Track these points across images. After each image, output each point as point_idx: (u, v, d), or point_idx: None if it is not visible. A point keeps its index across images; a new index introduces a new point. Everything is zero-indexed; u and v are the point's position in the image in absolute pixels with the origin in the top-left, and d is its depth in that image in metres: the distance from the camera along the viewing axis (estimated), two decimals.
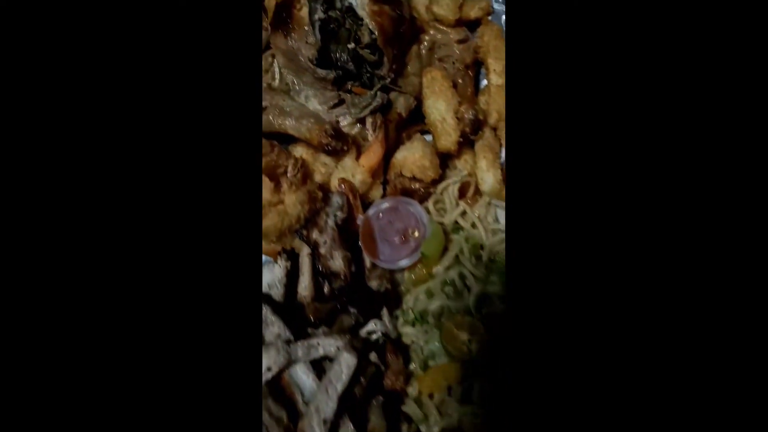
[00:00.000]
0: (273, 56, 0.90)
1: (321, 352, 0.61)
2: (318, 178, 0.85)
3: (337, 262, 0.70)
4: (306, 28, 0.81)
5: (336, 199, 0.76)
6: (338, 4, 0.93)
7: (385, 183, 0.84)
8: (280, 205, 0.75)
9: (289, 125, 0.81)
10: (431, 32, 0.96)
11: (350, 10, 0.92)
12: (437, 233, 0.72)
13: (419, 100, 0.90)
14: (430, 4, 0.96)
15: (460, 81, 0.92)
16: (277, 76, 0.88)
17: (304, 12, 0.82)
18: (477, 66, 0.97)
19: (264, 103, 0.84)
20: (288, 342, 0.61)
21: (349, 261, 0.70)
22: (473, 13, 0.97)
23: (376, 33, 0.83)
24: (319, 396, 0.56)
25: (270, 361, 0.58)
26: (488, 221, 0.76)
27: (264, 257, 0.77)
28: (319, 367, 0.61)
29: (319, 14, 0.85)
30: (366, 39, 0.85)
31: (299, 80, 0.87)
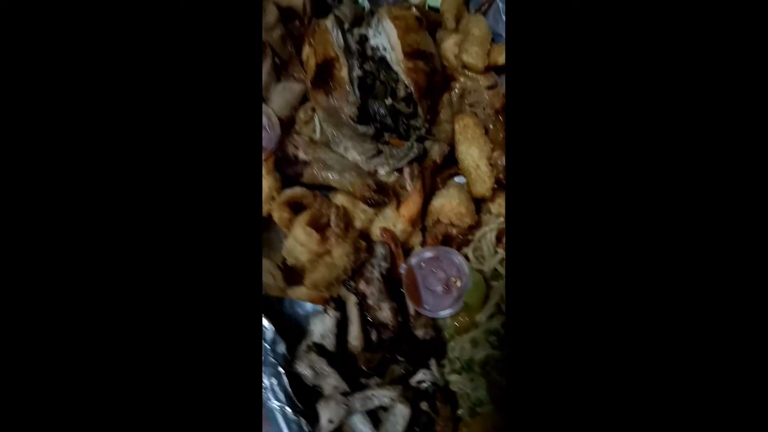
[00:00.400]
0: (313, 110, 0.95)
1: (376, 402, 0.65)
2: (358, 224, 0.89)
3: (385, 313, 0.74)
4: (347, 88, 0.86)
5: (380, 250, 0.80)
6: (371, 54, 0.98)
7: (423, 230, 0.88)
8: (328, 257, 0.79)
9: (332, 179, 0.86)
10: (461, 79, 1.00)
11: (383, 62, 0.97)
12: (479, 283, 0.76)
13: (452, 145, 0.94)
14: (459, 52, 1.01)
15: (491, 126, 0.97)
16: (317, 129, 0.93)
17: (344, 72, 0.87)
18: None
19: (307, 157, 0.89)
20: (345, 394, 0.65)
21: (396, 311, 0.74)
22: (501, 59, 1.01)
23: (412, 88, 0.88)
24: None
25: (331, 413, 0.63)
26: None
27: (313, 306, 0.82)
28: (375, 416, 0.65)
29: (357, 71, 0.91)
30: (402, 93, 0.90)
31: (338, 132, 0.92)
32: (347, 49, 0.94)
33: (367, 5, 1.27)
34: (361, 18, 1.18)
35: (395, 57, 0.91)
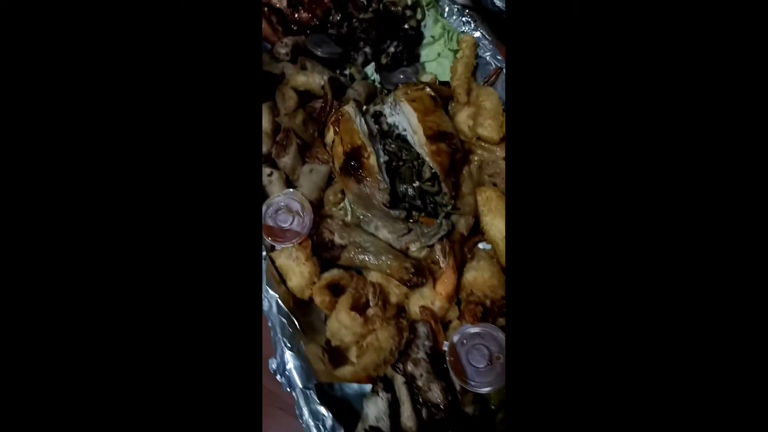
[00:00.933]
0: (342, 192, 1.01)
1: None
2: (394, 299, 0.94)
3: (436, 394, 0.78)
4: (378, 176, 0.91)
5: (422, 329, 0.85)
6: (389, 130, 1.05)
7: (458, 303, 0.92)
8: (374, 341, 0.83)
9: (369, 262, 0.91)
10: (479, 152, 1.06)
11: (403, 141, 1.03)
12: None
13: (476, 217, 1.00)
14: (474, 126, 1.07)
15: None
16: (349, 211, 0.98)
17: (373, 160, 0.93)
18: None
19: (343, 241, 0.94)
20: None
21: (446, 391, 0.78)
22: None
23: (437, 170, 0.94)
24: None
25: None
26: None
27: (364, 386, 0.86)
28: None
29: (383, 157, 0.97)
30: (427, 174, 0.96)
31: (368, 213, 0.97)
32: (371, 134, 1.00)
33: (377, 78, 1.35)
34: (374, 94, 1.26)
35: (418, 140, 0.97)
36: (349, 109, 1.03)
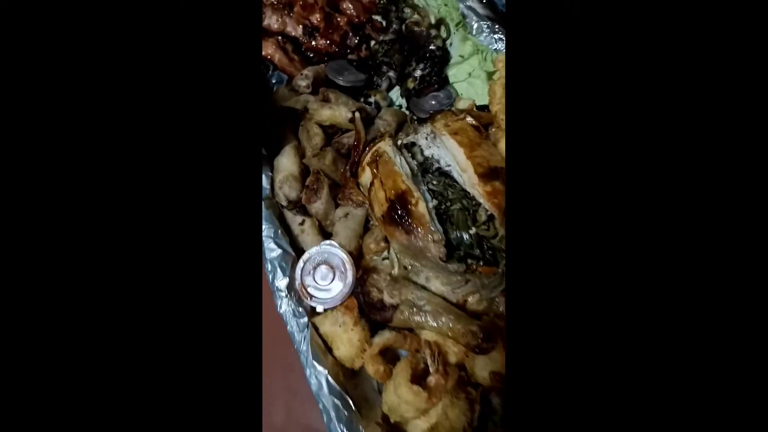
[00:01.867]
0: (386, 240, 0.90)
1: None
2: (453, 359, 0.83)
3: None
4: (430, 227, 0.81)
5: (497, 401, 0.74)
6: (425, 162, 0.94)
7: None
8: (445, 420, 0.73)
9: (428, 324, 0.80)
10: None
11: (447, 176, 0.93)
12: None
13: None
14: None
15: None
16: (395, 262, 0.88)
17: (422, 207, 0.82)
18: None
19: (394, 300, 0.83)
20: None
21: None
22: None
23: (495, 213, 0.83)
24: None
25: None
26: None
27: None
28: None
29: (432, 201, 0.86)
30: (482, 217, 0.85)
31: (417, 262, 0.87)
32: (413, 174, 0.90)
33: (403, 104, 1.25)
34: (404, 122, 1.16)
35: (468, 179, 0.87)
36: (386, 147, 0.92)
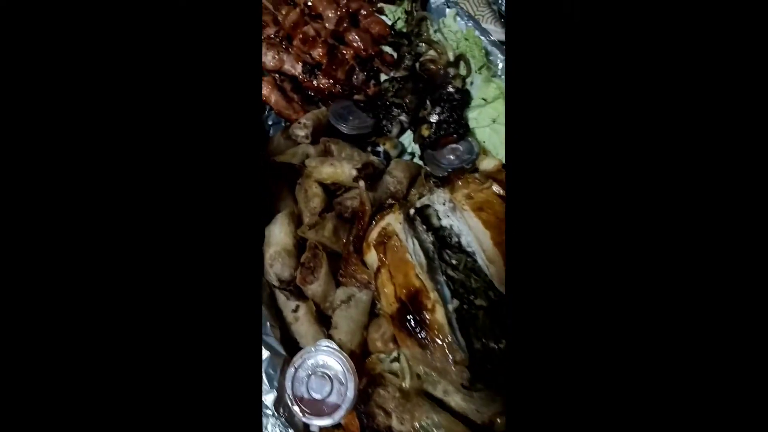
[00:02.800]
0: (395, 342, 0.75)
1: None
2: None
3: None
4: (450, 338, 0.65)
5: None
6: (453, 262, 0.79)
7: None
8: None
9: None
10: None
11: (469, 255, 0.78)
12: None
13: None
14: None
15: None
16: (406, 371, 0.72)
17: (440, 314, 0.67)
18: None
19: (404, 427, 0.68)
20: None
21: None
22: None
23: None
24: None
25: None
26: None
27: None
28: None
29: (451, 303, 0.70)
30: None
31: (432, 371, 0.71)
32: (429, 263, 0.74)
33: (416, 150, 1.10)
34: (417, 176, 1.01)
35: (496, 273, 0.71)
36: (397, 225, 0.77)
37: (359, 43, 1.16)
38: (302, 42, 1.14)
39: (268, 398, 0.71)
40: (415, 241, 0.75)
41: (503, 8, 1.35)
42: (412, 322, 0.67)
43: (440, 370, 0.67)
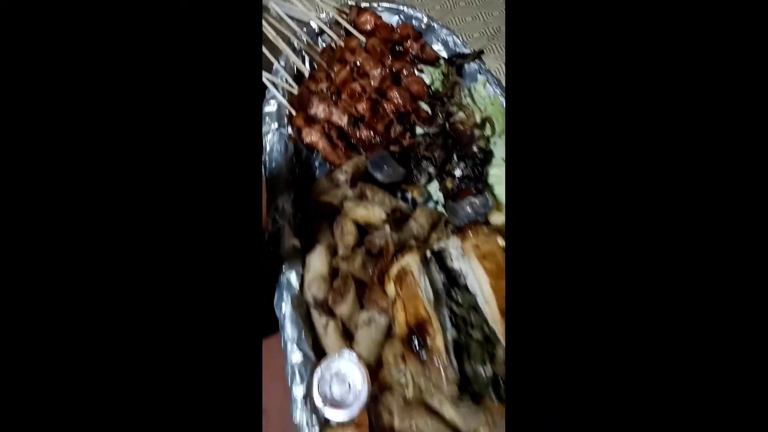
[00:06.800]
0: (404, 358, 0.98)
1: None
2: None
3: None
4: (445, 361, 0.89)
5: None
6: (458, 296, 1.02)
7: None
8: None
9: None
10: None
11: (472, 295, 1.01)
12: None
13: None
14: None
15: None
16: (410, 384, 0.96)
17: (440, 341, 0.90)
18: None
19: (404, 425, 0.91)
20: None
21: None
22: None
23: None
24: None
25: None
26: None
27: None
28: None
29: (451, 331, 0.94)
30: (500, 356, 0.92)
31: (430, 385, 0.94)
32: (437, 298, 0.98)
33: (440, 198, 1.34)
34: (437, 223, 1.25)
35: (490, 313, 0.94)
36: (414, 265, 1.01)
37: (399, 99, 1.43)
38: (349, 96, 1.42)
39: (298, 391, 0.96)
40: (427, 280, 0.99)
41: None
42: (417, 345, 0.91)
43: (436, 384, 0.90)
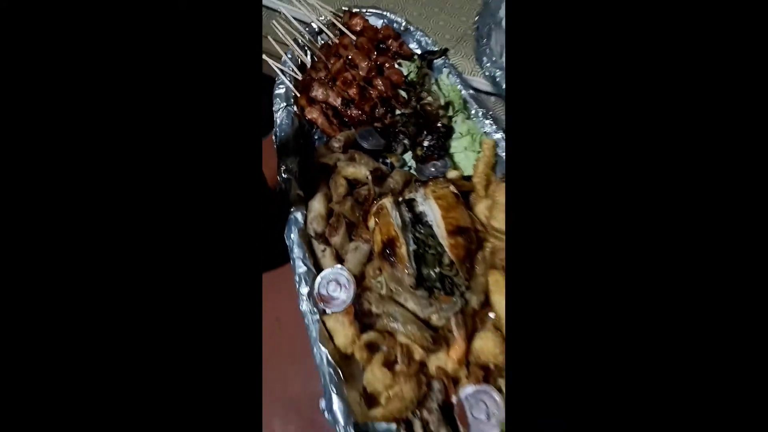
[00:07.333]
0: (380, 269, 1.38)
1: None
2: (417, 356, 1.28)
3: None
4: (407, 263, 1.28)
5: (436, 385, 1.19)
6: (419, 214, 1.41)
7: (468, 365, 1.26)
8: (398, 390, 1.18)
9: (397, 329, 1.26)
10: (492, 240, 1.41)
11: (430, 228, 1.40)
12: None
13: (487, 295, 1.34)
14: (489, 218, 1.43)
15: None
16: (383, 286, 1.35)
17: (404, 250, 1.30)
18: None
19: (378, 311, 1.30)
20: None
21: None
22: None
23: (454, 261, 1.29)
24: None
25: None
26: None
27: (390, 426, 1.20)
28: None
29: (412, 245, 1.33)
30: (446, 261, 1.31)
31: (399, 287, 1.34)
32: (404, 225, 1.37)
33: (413, 165, 1.74)
34: (410, 181, 1.64)
35: (440, 233, 1.34)
36: (387, 204, 1.41)
37: (382, 86, 1.82)
38: (343, 83, 1.80)
39: (304, 291, 1.34)
40: (397, 213, 1.39)
41: (494, 73, 1.99)
42: (388, 253, 1.30)
43: (401, 282, 1.29)
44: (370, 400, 1.25)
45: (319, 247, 1.49)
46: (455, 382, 1.24)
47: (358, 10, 2.04)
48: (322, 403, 1.19)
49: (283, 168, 1.61)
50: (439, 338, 1.23)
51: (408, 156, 1.75)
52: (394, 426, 1.19)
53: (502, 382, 1.22)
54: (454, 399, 1.19)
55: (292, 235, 1.45)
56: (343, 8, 2.05)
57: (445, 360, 1.24)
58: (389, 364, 1.24)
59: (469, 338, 1.28)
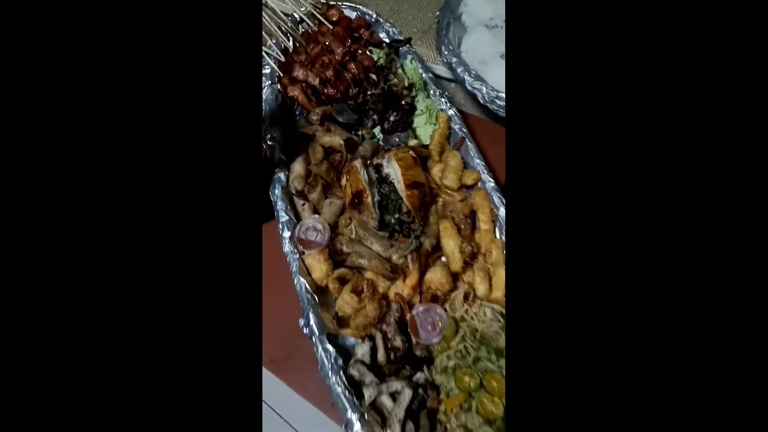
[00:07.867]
0: (350, 219, 1.67)
1: (393, 388, 1.31)
2: (381, 289, 1.58)
3: (398, 342, 1.41)
4: (372, 210, 1.57)
5: (394, 306, 1.48)
6: (385, 177, 1.71)
7: (421, 293, 1.56)
8: (363, 310, 1.47)
9: (364, 264, 1.56)
10: (443, 196, 1.71)
11: (392, 185, 1.70)
12: (452, 324, 1.42)
13: (438, 239, 1.64)
14: (442, 178, 1.73)
15: (462, 227, 1.66)
16: (353, 232, 1.64)
17: (370, 199, 1.59)
18: (473, 216, 1.72)
19: (348, 250, 1.59)
20: (377, 384, 1.32)
21: (405, 341, 1.41)
22: (469, 181, 1.73)
23: (411, 208, 1.59)
24: (396, 410, 1.26)
25: (369, 393, 1.29)
26: (481, 315, 1.47)
27: (355, 339, 1.49)
28: (393, 396, 1.31)
29: (377, 197, 1.63)
30: (404, 210, 1.61)
31: (366, 233, 1.63)
32: (370, 181, 1.67)
33: (380, 138, 2.03)
34: (377, 150, 1.93)
35: (400, 187, 1.63)
36: (357, 164, 1.70)
37: (355, 69, 2.10)
38: (321, 66, 2.08)
39: (286, 235, 1.62)
40: (365, 172, 1.68)
41: (451, 60, 2.29)
42: (356, 202, 1.59)
43: (367, 227, 1.59)
44: (341, 322, 1.54)
45: (299, 202, 1.77)
46: (411, 306, 1.53)
47: (334, 3, 2.32)
48: (301, 321, 1.47)
49: (268, 136, 1.88)
50: (397, 269, 1.53)
51: (377, 130, 2.04)
52: (359, 340, 1.48)
53: (446, 306, 1.52)
54: (408, 316, 1.48)
55: (276, 191, 1.73)
56: (321, 1, 2.33)
57: (402, 287, 1.53)
58: (357, 293, 1.53)
59: (422, 273, 1.58)
